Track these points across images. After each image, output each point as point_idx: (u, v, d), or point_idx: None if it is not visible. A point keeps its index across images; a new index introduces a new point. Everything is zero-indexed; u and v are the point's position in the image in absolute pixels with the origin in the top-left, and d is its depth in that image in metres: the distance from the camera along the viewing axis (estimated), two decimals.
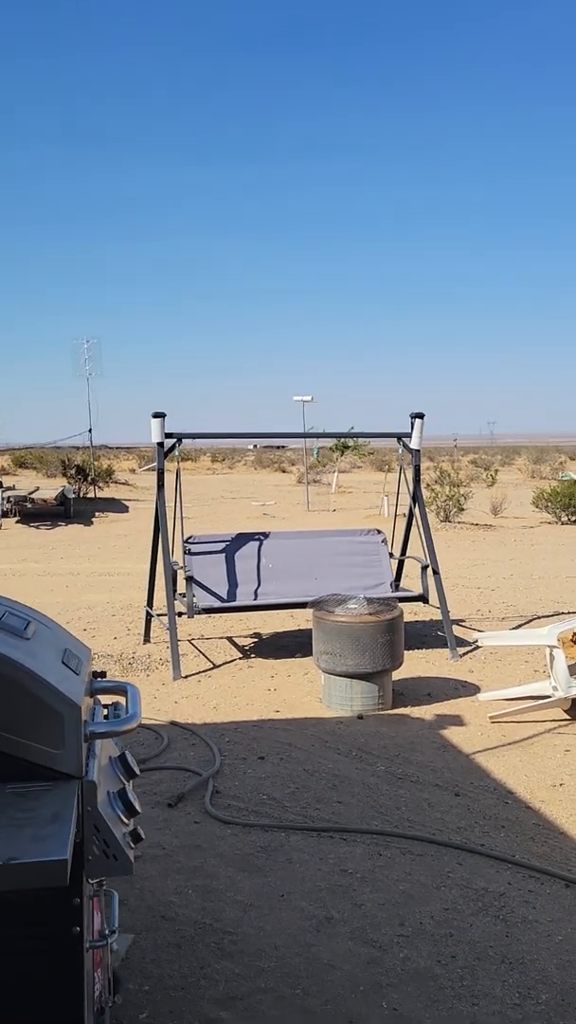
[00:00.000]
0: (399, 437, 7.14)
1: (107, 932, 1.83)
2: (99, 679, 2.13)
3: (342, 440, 29.09)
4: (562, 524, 17.06)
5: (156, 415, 6.45)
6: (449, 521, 16.68)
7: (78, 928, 1.61)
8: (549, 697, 5.09)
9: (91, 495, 23.51)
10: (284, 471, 45.00)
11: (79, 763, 1.63)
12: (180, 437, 6.64)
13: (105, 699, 2.20)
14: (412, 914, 2.94)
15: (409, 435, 7.04)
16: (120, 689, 2.00)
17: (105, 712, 2.13)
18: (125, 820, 1.72)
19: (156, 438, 6.49)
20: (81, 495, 22.70)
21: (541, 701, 5.04)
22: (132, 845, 1.72)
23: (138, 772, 1.91)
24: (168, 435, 6.53)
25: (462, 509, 16.96)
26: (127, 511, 20.19)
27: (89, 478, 24.30)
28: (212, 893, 3.10)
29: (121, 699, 2.08)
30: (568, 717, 5.04)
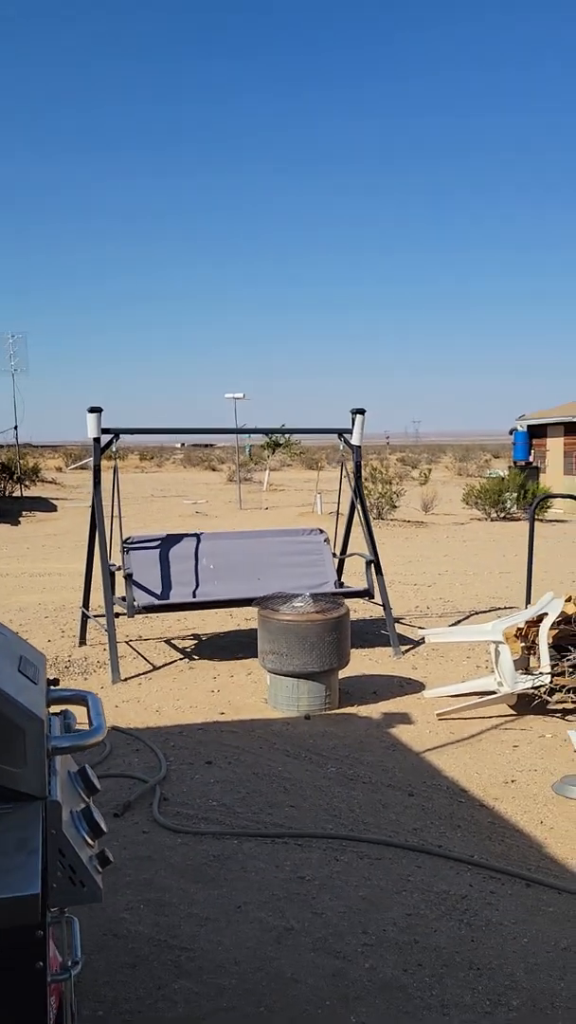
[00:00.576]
0: (340, 433, 7.08)
1: (70, 963, 1.68)
2: (54, 687, 1.98)
3: (273, 438, 29.05)
4: (492, 520, 17.34)
5: (92, 409, 6.23)
6: (382, 518, 16.77)
7: (41, 963, 1.46)
8: (494, 693, 5.09)
9: (17, 494, 22.90)
10: (214, 469, 44.76)
11: (42, 782, 1.48)
12: (117, 432, 6.43)
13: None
14: (374, 921, 2.86)
15: (350, 431, 6.99)
16: (79, 698, 1.85)
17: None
18: (90, 842, 1.58)
19: (92, 433, 6.27)
20: (7, 494, 22.08)
21: (487, 697, 5.04)
22: (99, 869, 1.58)
23: (99, 787, 1.77)
24: (105, 431, 6.32)
25: (395, 507, 17.08)
26: (55, 510, 19.73)
27: (15, 476, 23.65)
28: (165, 907, 2.96)
29: (70, 707, 1.94)
30: (514, 712, 5.05)
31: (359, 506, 6.91)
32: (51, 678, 2.04)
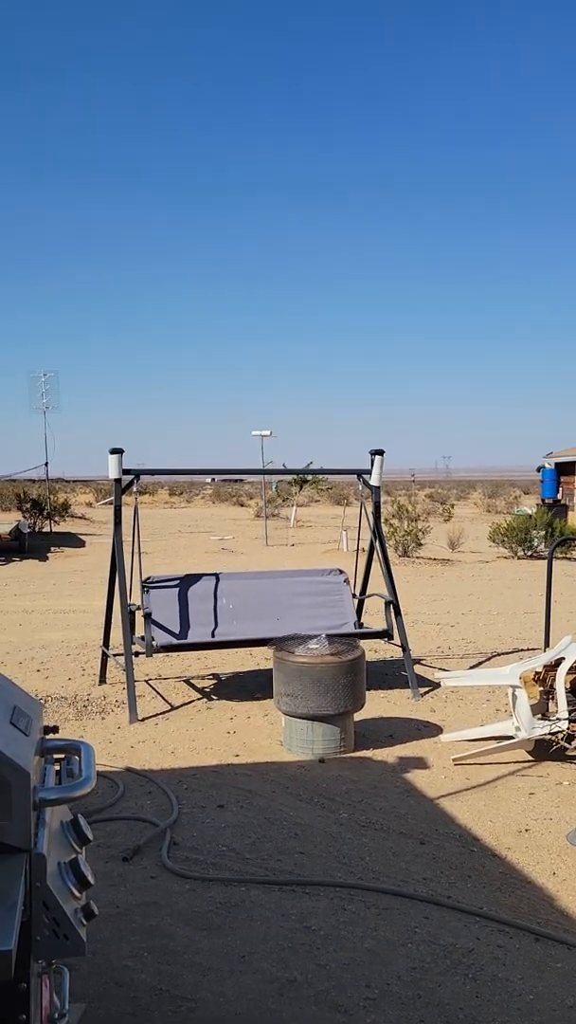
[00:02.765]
0: (359, 474, 7.12)
1: (56, 1015, 1.69)
2: (51, 735, 2.01)
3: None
4: (518, 559, 17.20)
5: (114, 451, 6.33)
6: (407, 556, 16.72)
7: (24, 1016, 1.48)
8: (512, 738, 5.03)
9: (47, 530, 23.16)
10: (242, 505, 44.95)
11: (27, 834, 1.50)
12: (138, 473, 6.53)
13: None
14: (378, 974, 2.82)
15: (369, 472, 7.02)
16: (73, 748, 1.88)
17: (57, 768, 2.01)
18: (77, 894, 1.60)
19: (113, 474, 6.37)
20: (37, 530, 22.34)
21: (504, 742, 4.98)
22: (84, 922, 1.60)
23: (91, 838, 1.79)
24: (126, 471, 6.41)
25: (420, 544, 17.02)
26: (84, 546, 19.92)
27: (45, 512, 23.93)
28: (169, 955, 2.95)
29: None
30: (531, 758, 4.98)
31: (378, 546, 6.91)
32: (50, 725, 2.07)
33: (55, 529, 23.68)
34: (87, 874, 1.62)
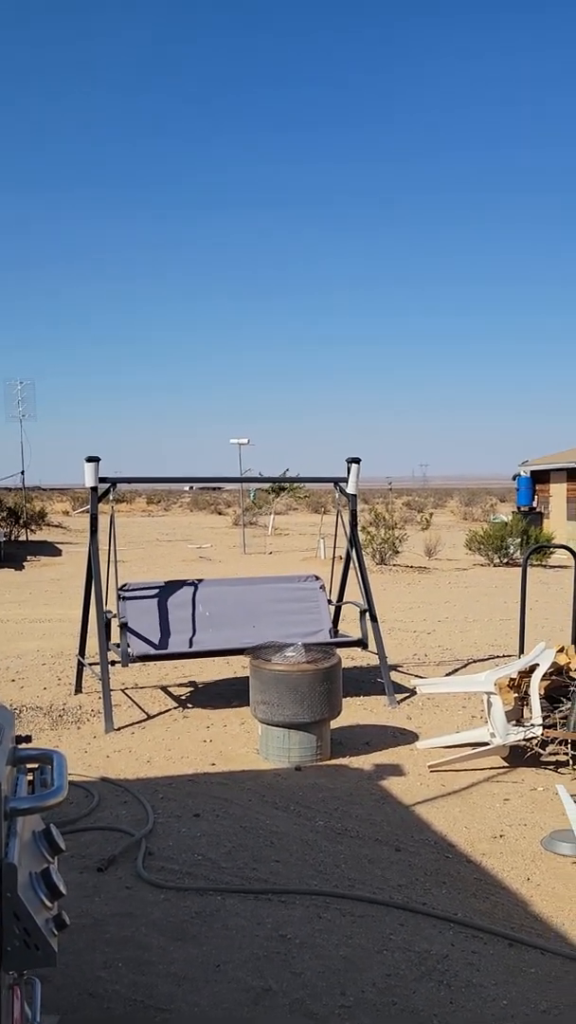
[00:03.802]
0: (336, 482, 7.14)
1: None
2: (23, 745, 2.00)
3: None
4: (494, 566, 17.32)
5: (90, 459, 6.31)
6: (385, 564, 16.78)
7: None
8: (487, 744, 5.06)
9: (23, 538, 23.00)
10: (220, 513, 44.91)
11: None
12: (114, 482, 6.52)
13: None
14: (353, 982, 2.83)
15: (346, 480, 7.04)
16: (46, 757, 1.87)
17: (31, 778, 2.00)
18: (48, 904, 1.59)
19: (90, 483, 6.35)
20: (12, 538, 22.17)
21: (479, 749, 5.01)
22: (55, 932, 1.59)
23: (64, 848, 1.78)
24: (102, 479, 6.39)
25: (397, 552, 17.09)
26: (60, 555, 19.81)
27: (21, 521, 23.77)
28: (144, 965, 2.94)
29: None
30: (506, 765, 5.01)
31: (354, 555, 6.94)
32: (23, 735, 2.06)
33: (31, 538, 23.53)
34: (59, 884, 1.62)
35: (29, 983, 1.79)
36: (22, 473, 23.73)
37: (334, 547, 7.52)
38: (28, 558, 18.51)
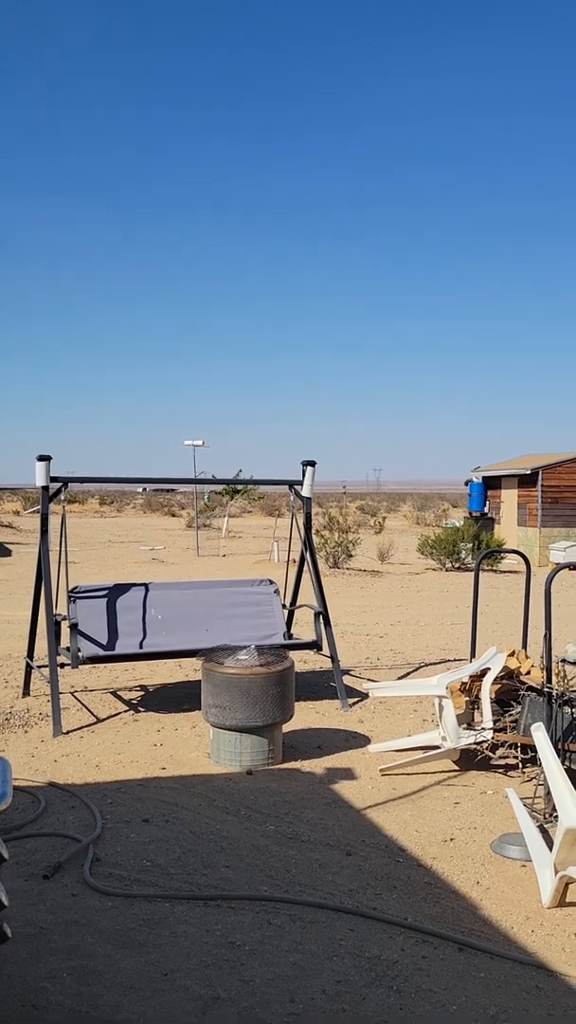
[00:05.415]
0: (291, 484, 7.12)
1: None
2: None
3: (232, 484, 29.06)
4: (446, 571, 17.48)
5: (41, 458, 6.20)
6: (338, 567, 16.82)
7: None
8: (439, 748, 5.08)
9: None
10: (174, 515, 44.65)
11: None
12: (66, 481, 6.41)
13: None
14: (303, 989, 2.80)
15: (301, 482, 7.03)
16: None
17: None
18: None
19: (41, 482, 6.23)
20: None
21: (431, 752, 5.02)
22: None
23: (7, 857, 1.72)
24: (54, 479, 6.28)
25: (351, 555, 17.14)
26: (9, 555, 19.48)
27: None
28: (90, 975, 2.87)
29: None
30: (457, 768, 5.04)
31: (308, 558, 6.93)
32: None
33: None
34: (1, 896, 1.56)
35: None
36: None
37: (288, 550, 7.49)
38: None
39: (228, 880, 3.57)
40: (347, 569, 16.87)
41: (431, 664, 8.00)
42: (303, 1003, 2.72)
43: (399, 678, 7.44)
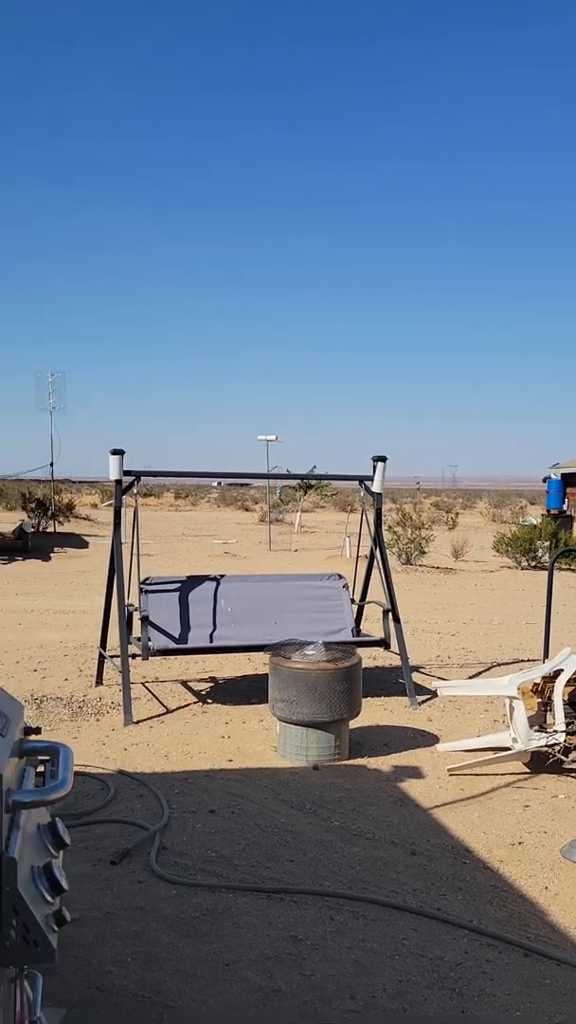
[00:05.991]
0: (361, 480, 7.08)
1: (28, 1022, 1.66)
2: (31, 737, 1.98)
3: (305, 479, 29.12)
4: (522, 569, 17.14)
5: (115, 452, 6.31)
6: (410, 564, 16.67)
7: None
8: (508, 749, 4.99)
9: (51, 530, 23.17)
10: (247, 509, 44.95)
11: None
12: (139, 475, 6.51)
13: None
14: (364, 986, 2.78)
15: (371, 478, 6.98)
16: (52, 750, 1.84)
17: (41, 769, 1.98)
18: (49, 899, 1.57)
19: (114, 475, 6.35)
20: (40, 529, 22.35)
21: (500, 754, 4.93)
22: (55, 928, 1.56)
23: (68, 842, 1.75)
24: (127, 473, 6.39)
25: (424, 552, 16.97)
26: (87, 547, 19.91)
27: (49, 512, 23.95)
28: (153, 961, 2.91)
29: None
30: (527, 771, 4.93)
31: (378, 554, 6.88)
32: (32, 726, 2.04)
33: (59, 529, 23.69)
34: (61, 880, 1.59)
35: (31, 977, 1.77)
36: (51, 465, 23.91)
37: (358, 546, 7.46)
38: (55, 550, 18.63)
39: (291, 874, 3.58)
40: (420, 566, 16.71)
41: (503, 664, 7.86)
42: (364, 1001, 2.71)
43: (470, 677, 7.33)
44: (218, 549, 20.46)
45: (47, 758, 1.96)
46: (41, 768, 1.97)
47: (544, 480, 25.19)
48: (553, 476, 24.45)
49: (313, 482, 29.84)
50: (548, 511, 24.01)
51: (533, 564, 17.36)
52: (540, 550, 17.39)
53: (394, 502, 39.80)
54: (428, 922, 3.21)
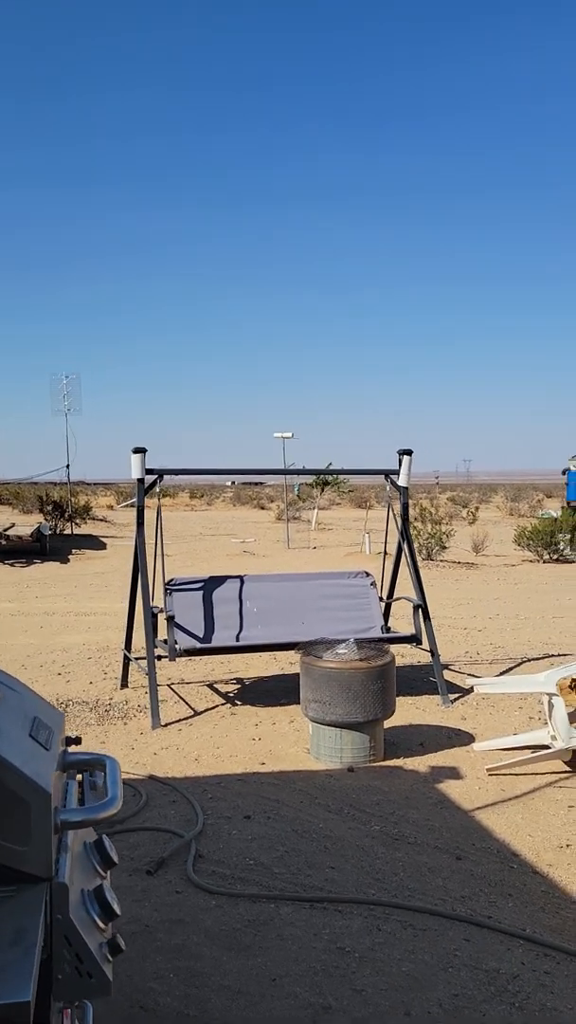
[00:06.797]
0: (387, 474, 6.95)
1: None
2: (73, 748, 1.87)
3: (322, 476, 28.97)
4: (544, 562, 16.94)
5: (137, 450, 6.21)
6: (432, 559, 16.50)
7: None
8: (548, 748, 4.85)
9: (68, 532, 23.13)
10: (263, 508, 44.82)
11: (48, 861, 1.36)
12: (161, 473, 6.40)
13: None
14: (418, 1001, 2.66)
15: (397, 472, 6.85)
16: (98, 763, 1.73)
17: (80, 778, 1.87)
18: (102, 926, 1.45)
19: (136, 474, 6.24)
20: (58, 532, 22.32)
21: (540, 752, 4.79)
22: (110, 958, 1.45)
23: (117, 861, 1.64)
24: (149, 471, 6.28)
25: (444, 547, 16.80)
26: (105, 548, 19.84)
27: (66, 514, 23.92)
28: (197, 977, 2.80)
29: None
30: (569, 769, 4.79)
31: (406, 548, 6.74)
32: (72, 736, 1.93)
33: (76, 531, 23.66)
34: (113, 904, 1.48)
35: (81, 1008, 1.66)
36: (67, 467, 23.89)
37: (385, 542, 7.32)
38: (73, 552, 18.57)
39: (334, 881, 3.46)
40: (441, 561, 16.53)
41: (533, 659, 7.70)
42: (419, 1017, 2.58)
43: (501, 673, 7.18)
44: (237, 548, 20.35)
45: (85, 771, 1.84)
46: (79, 777, 1.86)
47: (563, 472, 24.94)
48: (572, 468, 24.20)
49: (330, 479, 29.69)
50: (568, 503, 23.77)
51: (555, 557, 17.16)
52: (562, 543, 17.19)
53: (411, 497, 39.48)
54: (480, 931, 3.08)
